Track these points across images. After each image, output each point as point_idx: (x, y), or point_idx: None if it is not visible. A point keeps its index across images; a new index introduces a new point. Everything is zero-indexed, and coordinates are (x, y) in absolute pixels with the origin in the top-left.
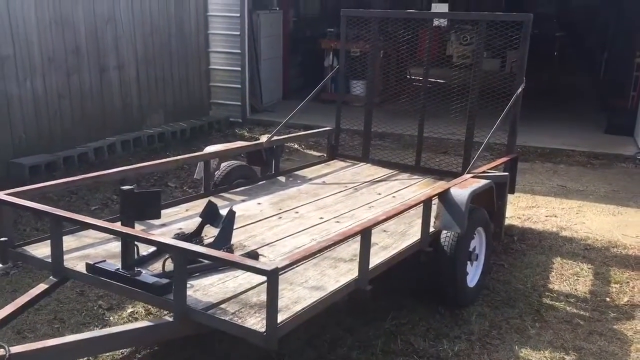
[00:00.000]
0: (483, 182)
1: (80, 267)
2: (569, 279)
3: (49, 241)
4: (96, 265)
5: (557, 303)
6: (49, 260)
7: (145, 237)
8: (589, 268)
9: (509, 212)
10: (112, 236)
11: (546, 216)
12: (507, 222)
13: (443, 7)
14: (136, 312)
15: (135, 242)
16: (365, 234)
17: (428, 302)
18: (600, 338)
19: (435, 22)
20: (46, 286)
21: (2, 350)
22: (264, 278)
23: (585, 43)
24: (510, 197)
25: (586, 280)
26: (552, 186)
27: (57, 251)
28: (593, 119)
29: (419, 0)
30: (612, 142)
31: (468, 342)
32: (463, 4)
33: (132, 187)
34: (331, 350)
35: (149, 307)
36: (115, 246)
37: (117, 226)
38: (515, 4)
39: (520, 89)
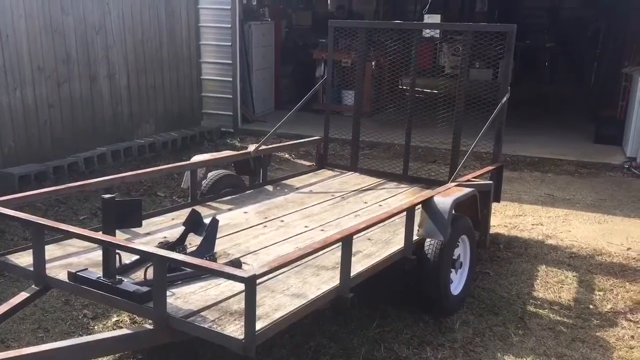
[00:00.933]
0: (466, 190)
1: (62, 276)
2: (554, 286)
3: (31, 250)
4: (78, 273)
5: (541, 310)
6: (31, 268)
7: (125, 245)
8: (574, 276)
9: (496, 220)
10: (95, 245)
11: (532, 224)
12: (493, 230)
13: (435, 19)
14: (121, 321)
15: (118, 251)
16: (346, 242)
17: (412, 310)
18: (582, 345)
19: (428, 34)
20: (28, 295)
21: None
22: (244, 286)
23: (575, 54)
24: (497, 206)
25: (570, 288)
26: (540, 195)
27: (39, 260)
28: (582, 129)
29: (411, 12)
30: (600, 151)
31: (451, 349)
32: (455, 16)
33: (113, 195)
34: (314, 359)
35: (134, 315)
36: (99, 255)
37: (98, 234)
38: (507, 15)
39: (504, 99)
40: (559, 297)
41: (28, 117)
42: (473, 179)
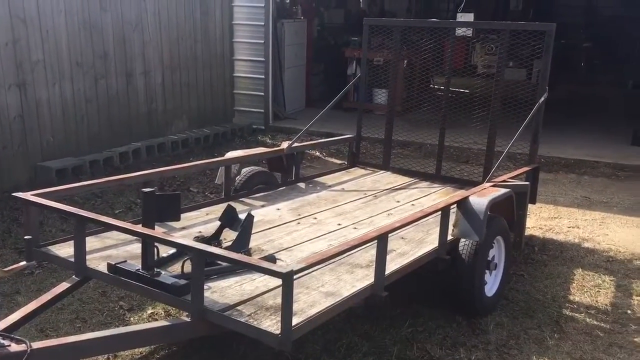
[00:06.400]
0: (503, 191)
1: (102, 267)
2: (590, 290)
3: (72, 241)
4: (117, 265)
5: (577, 314)
6: (72, 259)
7: (165, 238)
8: (611, 280)
9: (531, 222)
10: (133, 237)
11: (568, 227)
12: (528, 232)
13: (468, 17)
14: (156, 313)
15: (156, 244)
16: (381, 240)
17: (445, 310)
18: (620, 350)
19: (461, 32)
20: (68, 285)
21: (23, 345)
22: (280, 281)
23: (613, 53)
24: (532, 208)
25: (607, 292)
26: (576, 197)
27: (80, 251)
28: (620, 131)
29: (444, 10)
30: (638, 153)
31: (485, 351)
32: (489, 14)
33: (153, 189)
34: (347, 356)
35: (169, 308)
36: (136, 247)
37: (138, 227)
38: (542, 13)
39: (542, 99)
40: (596, 301)
41: (66, 112)
42: (509, 180)
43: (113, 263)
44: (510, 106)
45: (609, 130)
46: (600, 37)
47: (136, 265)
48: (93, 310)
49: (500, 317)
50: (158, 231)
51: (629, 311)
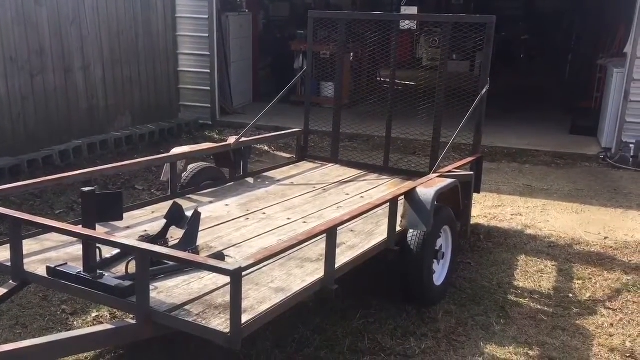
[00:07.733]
0: (448, 181)
1: (41, 271)
2: (534, 276)
3: (8, 245)
4: (57, 268)
5: (521, 300)
6: (8, 264)
7: (107, 238)
8: (553, 265)
9: (476, 211)
10: (74, 239)
11: (512, 215)
12: (473, 220)
13: (412, 10)
14: (101, 316)
15: (98, 245)
16: (330, 234)
17: (396, 301)
18: (563, 333)
19: (405, 25)
20: (5, 290)
21: None
22: (229, 279)
23: (551, 45)
24: (476, 197)
25: (550, 277)
26: (518, 185)
27: (17, 254)
28: (558, 120)
29: (388, 3)
30: (576, 142)
31: (435, 339)
32: (432, 7)
33: (93, 188)
34: (299, 351)
35: (114, 310)
36: (78, 249)
37: (78, 228)
38: (483, 7)
39: (484, 90)
40: (539, 286)
41: (1, 110)
42: (454, 170)
43: (53, 266)
44: (455, 98)
45: (548, 120)
46: (538, 29)
47: (77, 267)
48: (34, 316)
49: (448, 305)
50: (99, 231)
51: (570, 295)
